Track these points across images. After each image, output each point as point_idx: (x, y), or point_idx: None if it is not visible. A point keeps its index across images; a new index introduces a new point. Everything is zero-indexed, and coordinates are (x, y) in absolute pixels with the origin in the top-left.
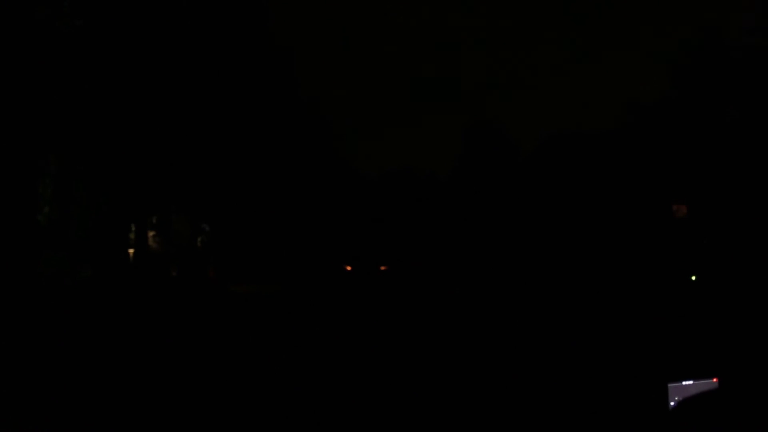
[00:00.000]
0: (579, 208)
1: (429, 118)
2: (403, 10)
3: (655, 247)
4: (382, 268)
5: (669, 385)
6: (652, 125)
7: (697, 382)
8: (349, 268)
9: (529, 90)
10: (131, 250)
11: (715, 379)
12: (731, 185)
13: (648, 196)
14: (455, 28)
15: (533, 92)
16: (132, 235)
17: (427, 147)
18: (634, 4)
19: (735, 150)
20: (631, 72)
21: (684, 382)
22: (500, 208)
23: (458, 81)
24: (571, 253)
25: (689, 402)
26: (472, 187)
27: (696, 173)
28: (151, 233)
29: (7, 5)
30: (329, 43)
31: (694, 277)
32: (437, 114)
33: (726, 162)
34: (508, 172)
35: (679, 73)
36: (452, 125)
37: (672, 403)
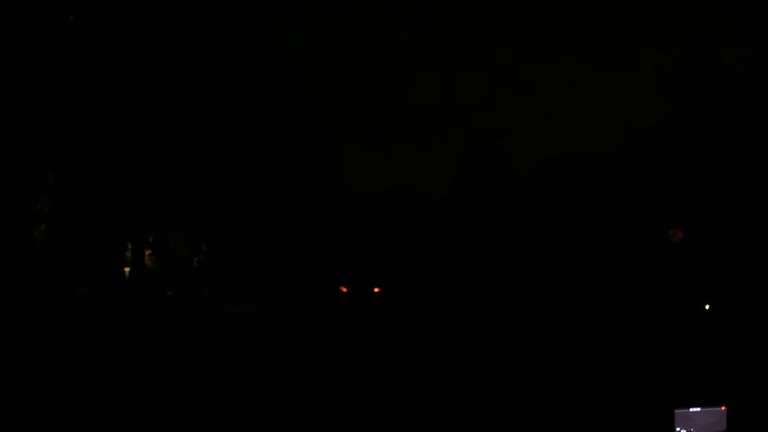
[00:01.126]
0: (576, 230)
1: (428, 139)
2: (405, 33)
3: (653, 271)
4: (376, 290)
5: (676, 411)
6: (648, 149)
7: (704, 409)
8: (344, 289)
9: (528, 112)
10: (127, 269)
11: (723, 407)
12: (728, 209)
13: (644, 219)
14: (455, 51)
15: (531, 114)
16: (128, 254)
17: (426, 167)
18: (631, 29)
19: (731, 174)
20: (628, 95)
21: (692, 409)
22: (498, 228)
23: (457, 102)
24: (567, 274)
25: None
26: (469, 208)
27: (693, 198)
28: (147, 252)
29: (7, 24)
30: (330, 64)
31: (707, 306)
32: (436, 134)
33: (723, 186)
34: (505, 193)
35: (676, 96)
36: (451, 146)
37: (678, 429)
